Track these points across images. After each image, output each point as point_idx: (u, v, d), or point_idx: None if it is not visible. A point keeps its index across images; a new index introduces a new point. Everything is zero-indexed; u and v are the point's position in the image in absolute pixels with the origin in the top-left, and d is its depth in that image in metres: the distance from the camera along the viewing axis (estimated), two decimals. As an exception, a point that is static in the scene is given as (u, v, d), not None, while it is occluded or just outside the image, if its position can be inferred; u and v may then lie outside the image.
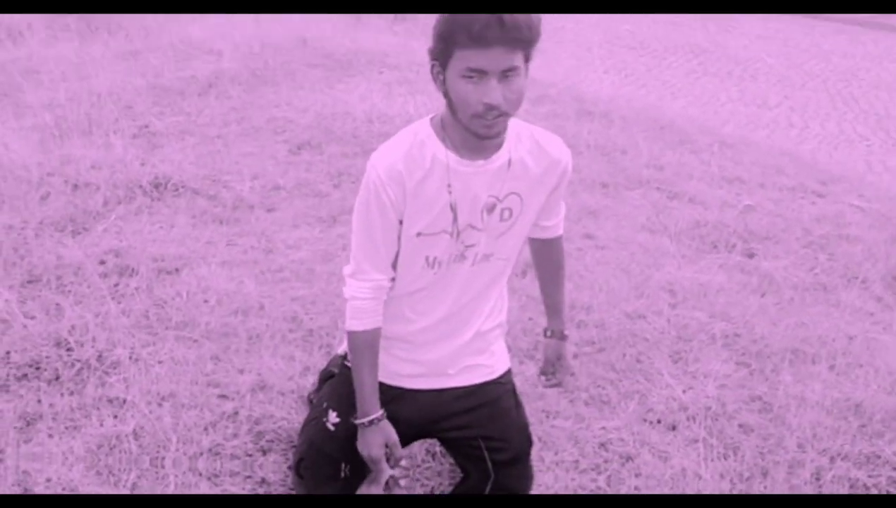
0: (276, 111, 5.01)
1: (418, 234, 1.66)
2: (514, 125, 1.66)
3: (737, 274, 3.51)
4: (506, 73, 1.50)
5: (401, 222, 1.65)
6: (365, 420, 1.75)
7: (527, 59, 1.54)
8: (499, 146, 1.63)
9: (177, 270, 3.20)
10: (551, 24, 9.05)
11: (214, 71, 5.73)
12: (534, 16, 1.52)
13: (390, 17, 8.19)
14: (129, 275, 3.13)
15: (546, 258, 1.95)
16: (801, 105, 7.06)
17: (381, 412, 1.76)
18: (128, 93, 5.22)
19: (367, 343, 1.74)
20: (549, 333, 2.02)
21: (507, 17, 1.46)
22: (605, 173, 4.45)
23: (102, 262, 3.22)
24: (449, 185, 1.60)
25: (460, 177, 1.61)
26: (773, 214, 4.17)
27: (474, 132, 1.55)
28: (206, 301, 2.99)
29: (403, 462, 1.81)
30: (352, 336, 1.75)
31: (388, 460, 1.79)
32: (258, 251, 3.41)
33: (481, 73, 1.48)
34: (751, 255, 3.72)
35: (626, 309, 3.10)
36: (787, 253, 3.75)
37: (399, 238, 1.68)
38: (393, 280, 1.73)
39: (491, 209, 1.66)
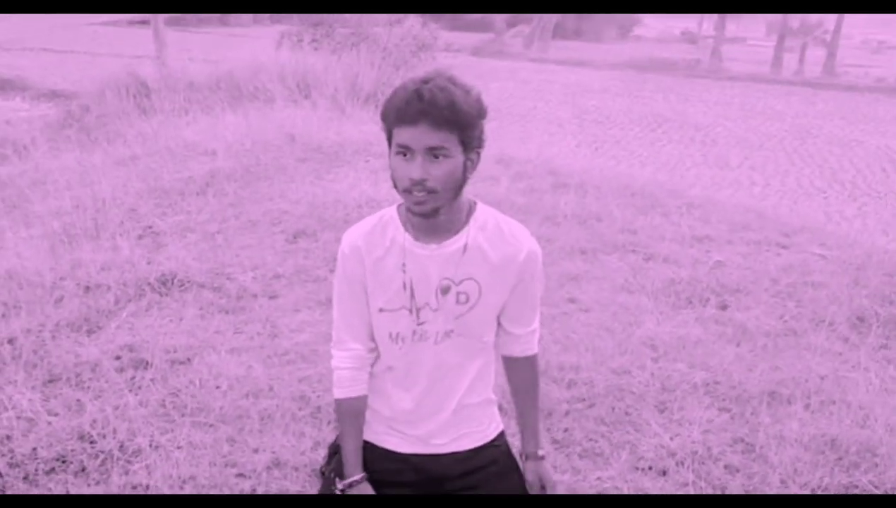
0: (270, 204, 5.21)
1: (381, 310, 1.72)
2: (482, 212, 1.70)
3: (712, 325, 3.66)
4: (433, 152, 1.54)
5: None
6: (345, 482, 1.81)
7: (464, 144, 1.56)
8: (456, 231, 1.66)
9: (188, 360, 3.31)
10: (523, 105, 9.51)
11: (210, 170, 5.96)
12: (461, 98, 1.53)
13: (372, 107, 8.57)
14: (144, 368, 3.24)
15: (519, 377, 1.88)
16: (761, 164, 7.39)
17: (361, 475, 1.81)
18: (130, 197, 5.42)
19: (349, 410, 1.79)
20: (524, 457, 1.93)
21: (426, 94, 1.51)
22: (583, 240, 4.64)
23: (118, 358, 3.33)
24: (403, 265, 1.67)
25: (415, 258, 1.67)
26: (742, 267, 4.36)
27: (409, 208, 1.61)
28: (218, 387, 3.10)
29: None
30: (336, 403, 1.80)
31: None
32: (264, 336, 3.53)
33: (409, 150, 1.54)
34: (724, 307, 3.88)
35: (612, 366, 3.23)
36: (757, 303, 3.92)
37: (366, 310, 1.74)
38: (373, 351, 1.78)
39: (445, 291, 1.68)
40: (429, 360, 1.75)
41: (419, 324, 1.71)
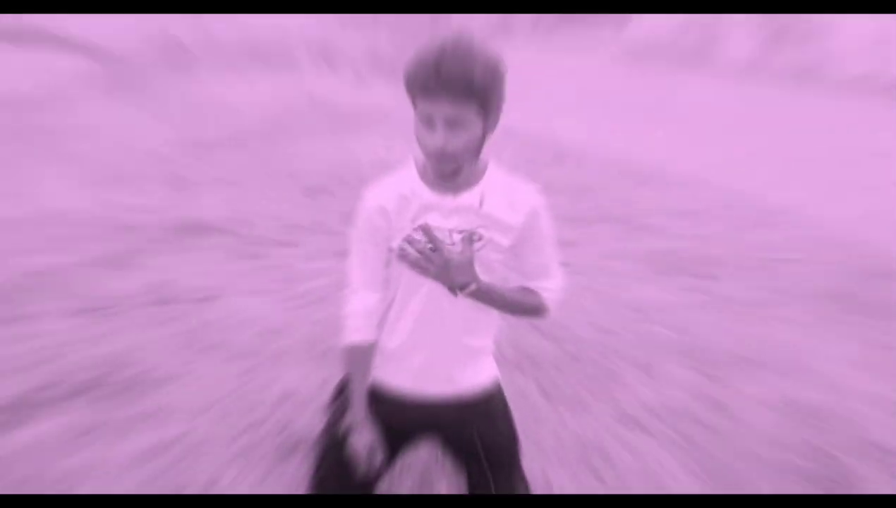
0: (293, 161, 5.14)
1: (391, 250, 1.71)
2: (494, 170, 1.68)
3: (693, 293, 3.60)
4: (451, 123, 1.51)
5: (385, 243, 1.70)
6: (349, 421, 1.78)
7: (485, 110, 1.52)
8: (471, 185, 1.65)
9: (211, 299, 3.28)
10: (524, 79, 9.29)
11: (236, 126, 5.87)
12: (479, 69, 1.48)
13: (391, 76, 8.37)
14: (171, 304, 3.21)
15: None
16: (747, 150, 7.24)
17: (363, 416, 1.78)
18: (164, 148, 5.34)
19: (358, 355, 1.76)
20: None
21: (444, 69, 1.47)
22: (578, 209, 4.58)
23: (147, 293, 3.30)
24: (417, 215, 1.65)
25: (431, 207, 1.66)
26: (725, 242, 4.30)
27: (432, 170, 1.62)
28: (237, 324, 3.07)
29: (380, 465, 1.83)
30: (344, 349, 1.78)
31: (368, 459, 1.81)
32: (281, 281, 3.49)
33: (430, 120, 1.52)
34: (705, 277, 3.83)
35: (599, 325, 3.19)
36: (736, 275, 3.86)
37: (384, 261, 1.72)
38: (384, 300, 1.76)
39: (459, 233, 1.67)
40: (437, 295, 1.71)
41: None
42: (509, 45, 12.72)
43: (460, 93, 1.48)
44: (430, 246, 1.66)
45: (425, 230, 1.64)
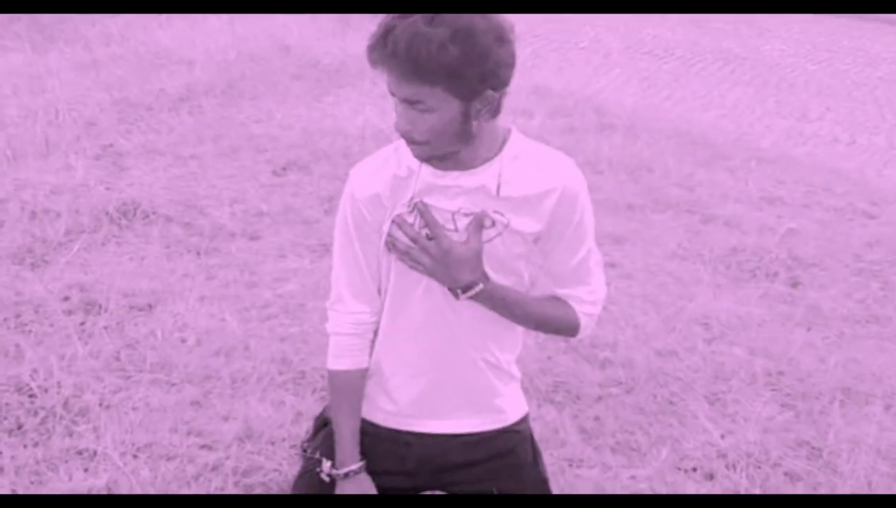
0: (256, 127, 5.14)
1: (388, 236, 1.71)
2: (517, 142, 1.67)
3: (779, 305, 3.60)
4: (411, 103, 1.53)
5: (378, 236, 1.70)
6: (341, 471, 1.79)
7: (457, 91, 1.51)
8: (483, 161, 1.64)
9: (150, 306, 3.28)
10: (564, 29, 9.29)
11: (186, 83, 5.87)
12: (435, 49, 1.47)
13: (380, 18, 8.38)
14: (97, 313, 3.21)
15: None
16: (847, 117, 7.21)
17: (359, 463, 1.80)
18: (89, 109, 5.35)
19: (346, 384, 1.77)
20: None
21: (390, 42, 1.48)
22: (630, 194, 4.57)
23: (66, 298, 3.30)
24: (415, 194, 1.64)
25: (432, 187, 1.65)
26: (820, 238, 4.27)
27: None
28: (183, 340, 3.08)
29: None
30: (330, 375, 1.79)
31: None
32: (241, 285, 3.50)
33: (393, 95, 1.56)
34: (795, 284, 3.82)
35: (656, 346, 3.19)
36: (835, 281, 3.85)
37: (377, 262, 1.72)
38: (377, 314, 1.76)
39: (466, 215, 1.65)
40: (438, 298, 1.69)
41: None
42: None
43: (407, 69, 1.50)
44: (425, 231, 1.65)
45: (421, 210, 1.64)
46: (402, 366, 1.78)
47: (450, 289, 1.67)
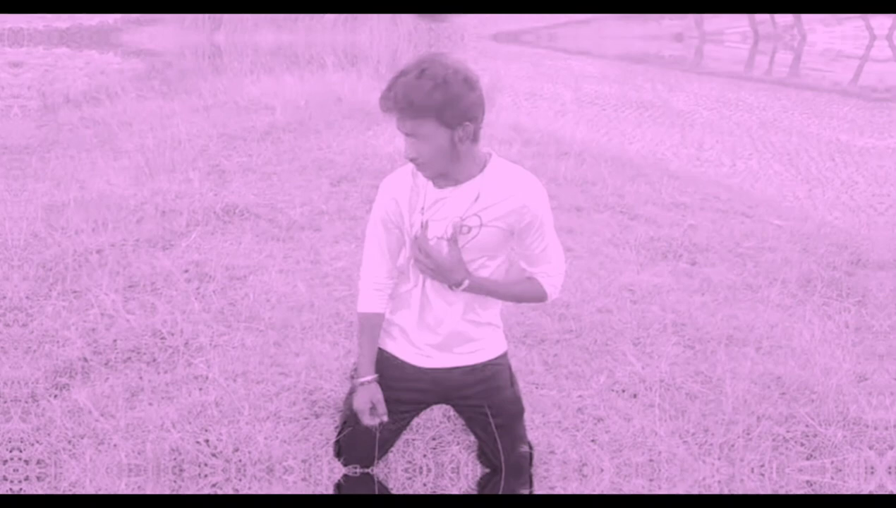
0: (319, 152, 5.10)
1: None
2: (495, 164, 1.68)
3: (683, 277, 3.57)
4: (412, 135, 1.58)
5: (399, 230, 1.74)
6: (358, 380, 1.84)
7: (445, 122, 1.53)
8: (468, 178, 1.66)
9: (245, 276, 3.27)
10: (533, 85, 9.19)
11: (270, 122, 5.83)
12: (424, 93, 1.51)
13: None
14: (208, 281, 3.20)
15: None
16: (730, 147, 7.13)
17: (372, 376, 1.84)
18: (202, 140, 5.32)
19: (367, 322, 1.82)
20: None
21: (391, 92, 1.55)
22: (580, 200, 4.53)
23: (186, 271, 3.29)
24: (424, 206, 1.70)
25: (436, 198, 1.70)
26: (711, 231, 4.23)
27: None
28: (268, 300, 3.07)
29: (384, 418, 1.86)
30: (358, 316, 1.85)
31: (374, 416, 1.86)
32: (308, 262, 3.48)
33: (400, 131, 1.61)
34: (693, 263, 3.79)
35: (597, 305, 3.16)
36: (721, 261, 3.81)
37: (395, 244, 1.77)
38: (394, 278, 1.80)
39: (455, 225, 1.69)
40: (440, 284, 1.75)
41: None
42: (521, 49, 12.60)
43: (406, 111, 1.55)
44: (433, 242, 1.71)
45: (418, 240, 1.70)
46: (423, 325, 1.82)
47: (448, 286, 1.74)
